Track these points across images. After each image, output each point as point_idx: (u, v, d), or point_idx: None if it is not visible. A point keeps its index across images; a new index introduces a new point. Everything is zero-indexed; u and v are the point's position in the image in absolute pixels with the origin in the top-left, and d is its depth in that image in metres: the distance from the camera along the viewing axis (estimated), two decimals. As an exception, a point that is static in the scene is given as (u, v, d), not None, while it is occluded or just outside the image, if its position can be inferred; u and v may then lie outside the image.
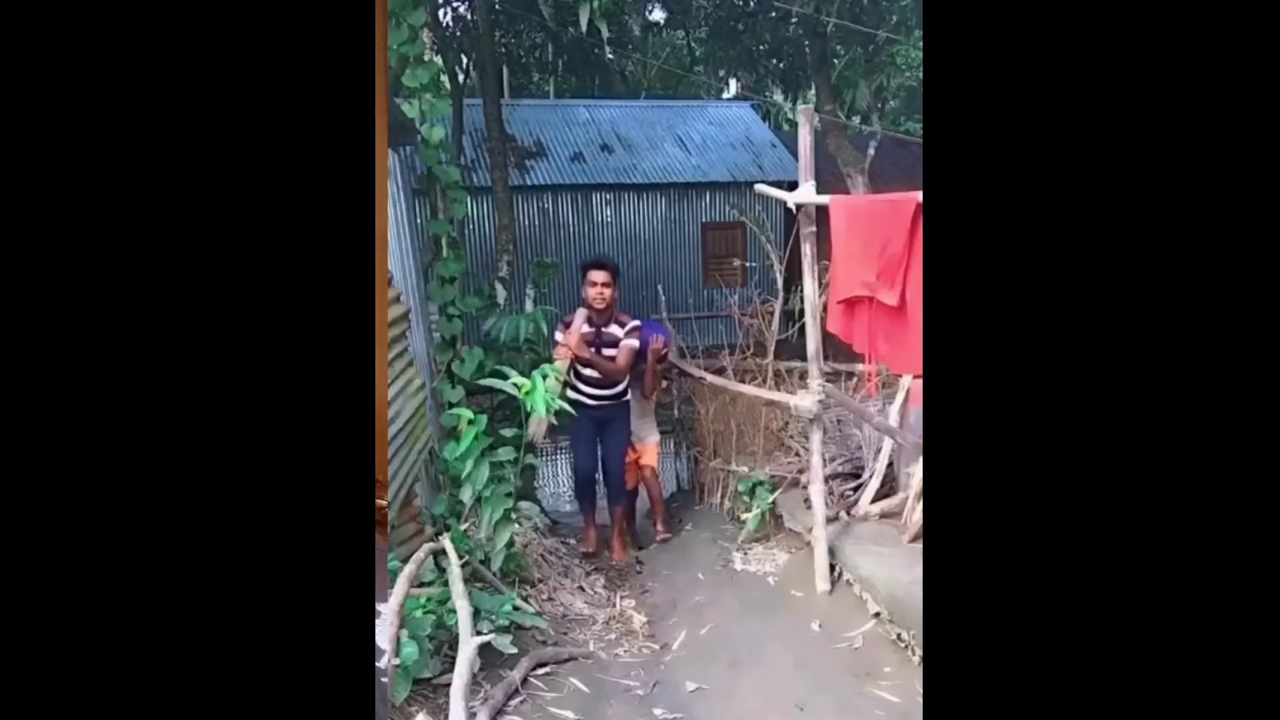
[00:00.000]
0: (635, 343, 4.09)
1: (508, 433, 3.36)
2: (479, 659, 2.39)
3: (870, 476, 3.83)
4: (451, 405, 3.61)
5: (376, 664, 1.98)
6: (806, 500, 3.47)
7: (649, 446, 4.66)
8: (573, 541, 4.29)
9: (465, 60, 10.26)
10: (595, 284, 3.99)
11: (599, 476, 4.31)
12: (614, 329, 4.06)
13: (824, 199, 3.05)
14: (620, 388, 4.20)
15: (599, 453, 4.25)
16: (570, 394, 3.98)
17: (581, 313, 4.02)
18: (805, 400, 3.32)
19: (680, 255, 11.30)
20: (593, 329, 4.04)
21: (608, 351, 4.06)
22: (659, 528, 4.60)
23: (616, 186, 11.10)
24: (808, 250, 3.12)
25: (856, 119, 11.43)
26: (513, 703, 2.51)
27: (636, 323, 4.14)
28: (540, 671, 2.71)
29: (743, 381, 4.64)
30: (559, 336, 4.04)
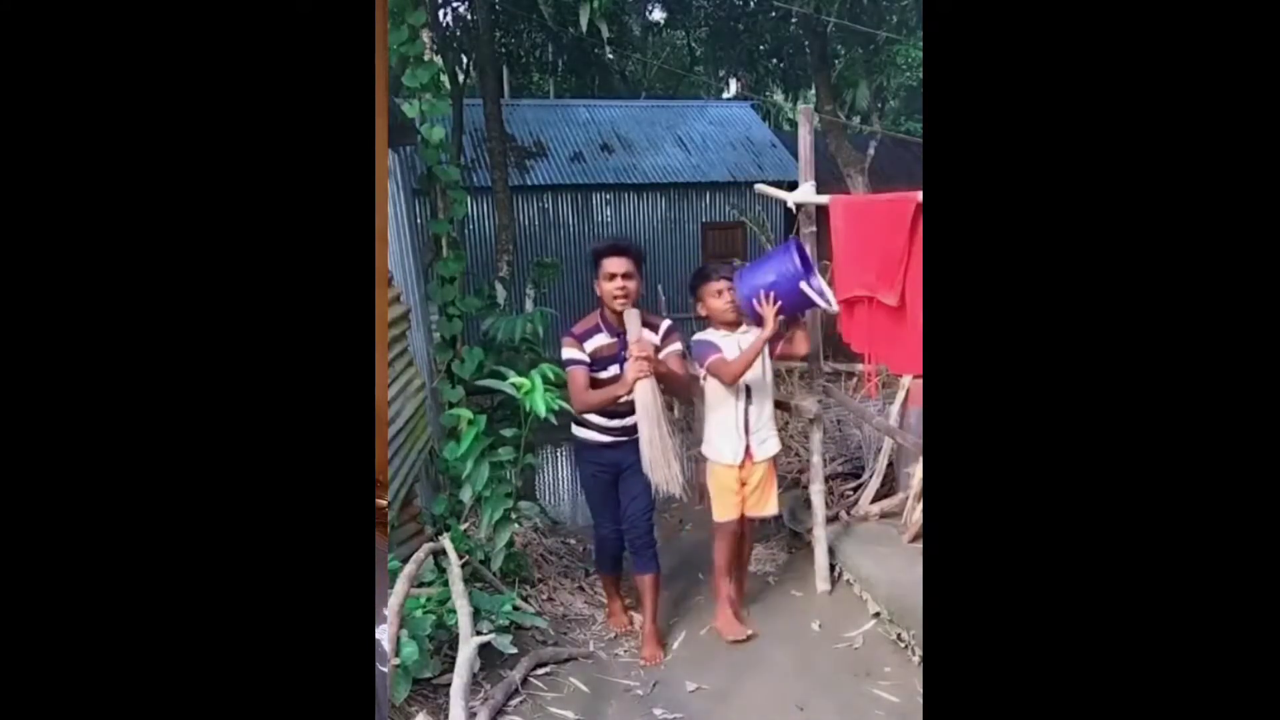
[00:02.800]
0: (680, 346, 2.94)
1: (508, 433, 3.36)
2: (479, 659, 2.39)
3: (870, 476, 3.84)
4: (451, 405, 3.61)
5: (376, 664, 1.98)
6: (806, 500, 3.47)
7: (761, 465, 3.02)
8: (572, 541, 4.27)
9: (465, 60, 10.27)
10: (613, 275, 2.81)
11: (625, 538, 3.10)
12: (646, 335, 2.88)
13: (824, 199, 3.06)
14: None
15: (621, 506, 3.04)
16: (578, 431, 3.02)
17: (635, 316, 2.83)
18: (805, 400, 3.32)
19: (680, 255, 11.29)
20: (615, 338, 2.87)
21: None
22: (731, 611, 3.06)
23: (616, 186, 11.11)
24: (808, 250, 3.12)
25: (856, 119, 11.44)
26: (513, 703, 2.52)
27: (669, 322, 2.97)
28: (540, 671, 2.72)
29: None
30: (567, 352, 2.88)
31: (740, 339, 2.92)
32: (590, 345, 2.88)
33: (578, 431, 3.04)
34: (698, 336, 2.98)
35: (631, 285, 2.83)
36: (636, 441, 2.85)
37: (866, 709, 2.51)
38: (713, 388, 2.98)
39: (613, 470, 3.00)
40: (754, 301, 2.79)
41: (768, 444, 3.04)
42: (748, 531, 3.16)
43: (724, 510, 3.04)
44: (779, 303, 2.75)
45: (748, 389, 2.95)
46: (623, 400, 2.81)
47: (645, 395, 2.76)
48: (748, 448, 2.98)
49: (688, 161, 11.67)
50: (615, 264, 2.83)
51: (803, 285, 2.75)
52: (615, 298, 2.83)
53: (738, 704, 2.57)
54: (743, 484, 3.01)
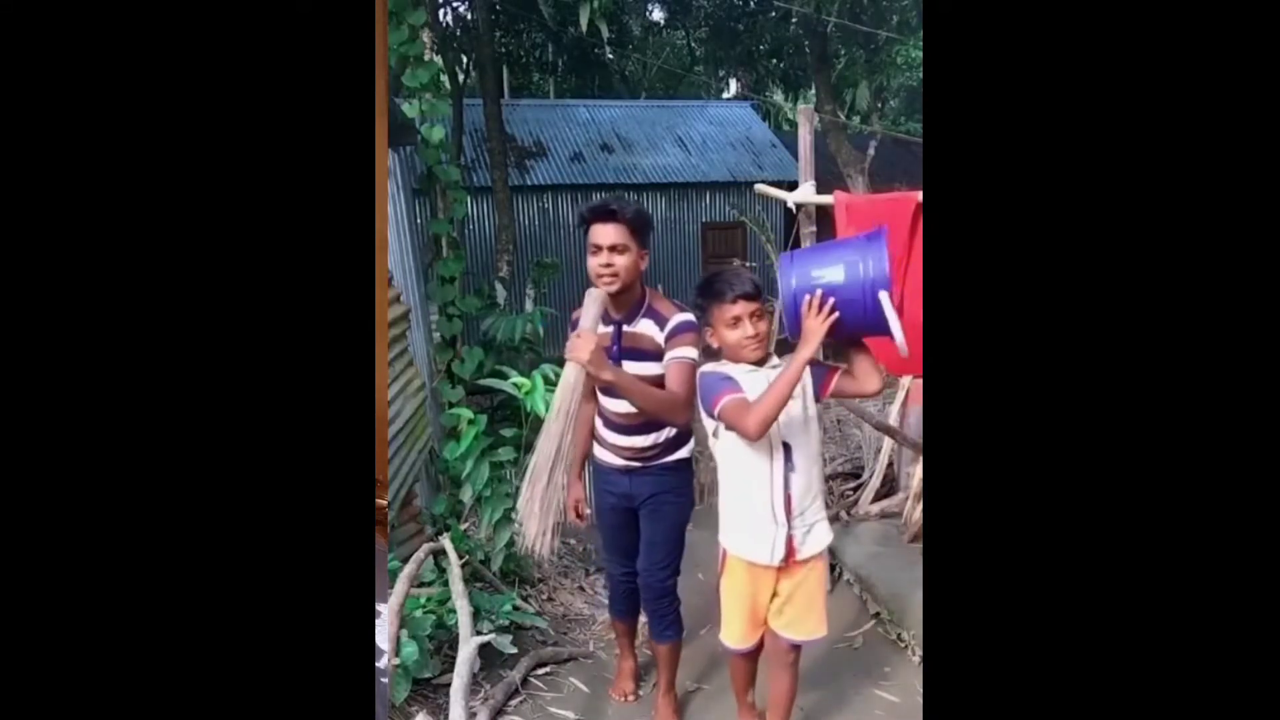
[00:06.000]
0: (691, 353, 2.09)
1: (508, 433, 3.36)
2: (479, 659, 2.39)
3: (870, 476, 3.84)
4: (451, 405, 3.61)
5: (376, 664, 1.98)
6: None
7: (806, 570, 2.01)
8: (573, 541, 4.25)
9: (465, 60, 10.28)
10: (598, 248, 2.08)
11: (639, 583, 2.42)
12: (645, 327, 2.15)
13: (824, 199, 3.06)
14: (672, 433, 2.25)
15: (639, 548, 2.37)
16: (596, 450, 2.40)
17: (596, 298, 2.07)
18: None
19: (680, 255, 11.30)
20: (610, 326, 2.17)
21: (636, 367, 2.13)
22: None
23: (616, 186, 11.12)
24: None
25: (856, 119, 11.45)
26: (513, 703, 2.52)
27: (688, 316, 2.13)
28: (540, 671, 2.72)
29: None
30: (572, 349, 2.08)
31: (770, 375, 1.90)
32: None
33: (595, 451, 2.39)
34: (706, 368, 2.03)
35: (622, 261, 2.07)
36: (656, 469, 2.26)
37: (866, 709, 2.51)
38: (730, 447, 1.97)
39: (627, 503, 2.32)
40: (803, 304, 1.80)
41: (816, 532, 1.99)
42: (780, 655, 2.11)
43: (738, 632, 2.07)
44: (835, 314, 1.77)
45: (786, 446, 1.93)
46: (634, 414, 2.18)
47: (562, 402, 1.94)
48: (789, 540, 1.93)
49: (687, 161, 11.68)
50: (601, 233, 2.08)
51: (882, 296, 1.77)
52: (600, 277, 2.08)
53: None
54: (775, 594, 2.02)
